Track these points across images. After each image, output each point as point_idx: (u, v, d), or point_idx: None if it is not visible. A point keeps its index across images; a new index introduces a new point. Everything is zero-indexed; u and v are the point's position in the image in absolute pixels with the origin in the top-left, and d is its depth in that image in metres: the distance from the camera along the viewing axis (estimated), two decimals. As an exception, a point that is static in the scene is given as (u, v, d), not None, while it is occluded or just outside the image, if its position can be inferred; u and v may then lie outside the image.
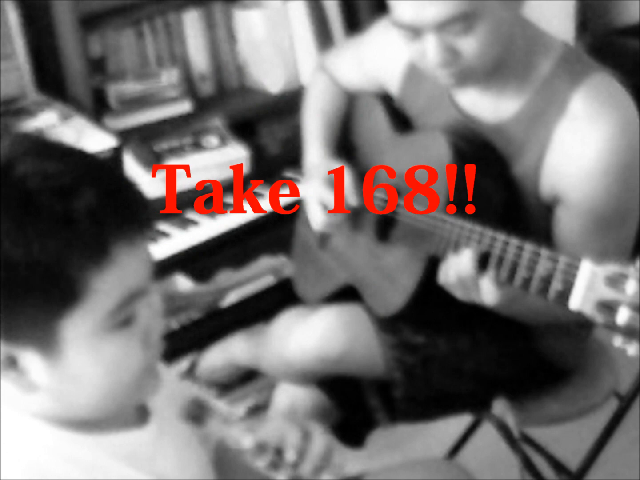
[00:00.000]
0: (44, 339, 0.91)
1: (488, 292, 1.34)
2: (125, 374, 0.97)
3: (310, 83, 1.96)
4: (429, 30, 1.41)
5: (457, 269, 1.37)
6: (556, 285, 1.24)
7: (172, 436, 1.10)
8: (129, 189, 0.96)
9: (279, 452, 1.07)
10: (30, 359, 0.93)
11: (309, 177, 1.75)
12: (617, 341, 1.16)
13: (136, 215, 0.95)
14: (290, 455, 1.07)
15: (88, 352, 0.93)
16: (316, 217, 1.71)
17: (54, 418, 0.98)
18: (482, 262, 1.34)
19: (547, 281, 1.25)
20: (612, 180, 1.44)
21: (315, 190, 1.69)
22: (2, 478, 0.94)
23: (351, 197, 1.68)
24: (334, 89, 1.89)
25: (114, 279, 0.91)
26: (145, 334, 0.97)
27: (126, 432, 1.04)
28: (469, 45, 1.41)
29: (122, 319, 0.94)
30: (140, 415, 1.08)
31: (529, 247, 1.29)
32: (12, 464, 0.95)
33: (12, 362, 0.93)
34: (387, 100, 1.78)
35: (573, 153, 1.46)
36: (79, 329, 0.92)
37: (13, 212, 0.88)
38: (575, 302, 1.21)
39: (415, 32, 1.43)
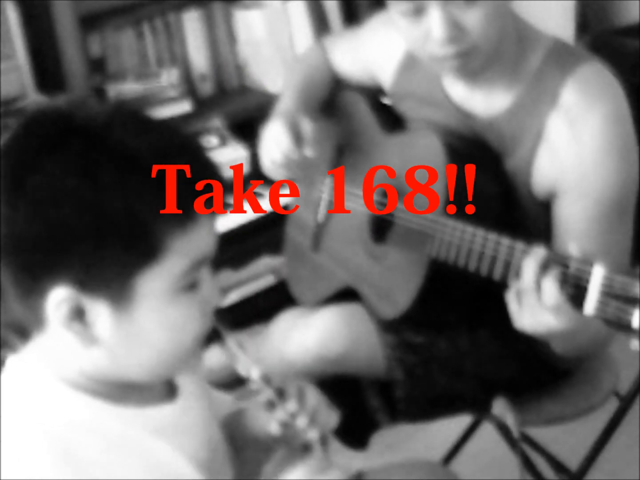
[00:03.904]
0: (119, 291, 0.95)
1: (562, 314, 1.25)
2: (184, 338, 1.01)
3: (303, 54, 1.95)
4: (433, 2, 1.40)
5: (542, 299, 1.26)
6: (568, 290, 1.23)
7: (197, 411, 1.13)
8: (212, 162, 1.02)
9: (280, 393, 1.12)
10: (100, 312, 0.95)
11: (273, 121, 1.71)
12: (634, 345, 1.15)
13: (220, 187, 1.01)
14: (291, 405, 1.12)
15: (155, 312, 0.97)
16: (271, 156, 1.67)
17: (98, 381, 1.01)
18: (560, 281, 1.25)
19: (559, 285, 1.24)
20: (607, 168, 1.44)
21: (275, 129, 1.66)
22: (28, 444, 0.96)
23: (309, 150, 1.64)
24: (325, 64, 1.87)
25: (191, 243, 0.97)
26: (204, 302, 1.01)
27: (158, 407, 1.07)
28: (474, 18, 1.41)
29: (189, 282, 0.98)
30: (169, 390, 1.11)
31: None
32: (40, 433, 0.97)
33: (80, 314, 0.95)
34: (371, 96, 1.77)
35: (566, 143, 1.46)
36: (152, 286, 0.96)
37: (115, 165, 0.93)
38: (590, 307, 1.20)
39: (418, 8, 1.42)
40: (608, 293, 1.18)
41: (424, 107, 1.66)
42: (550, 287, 1.24)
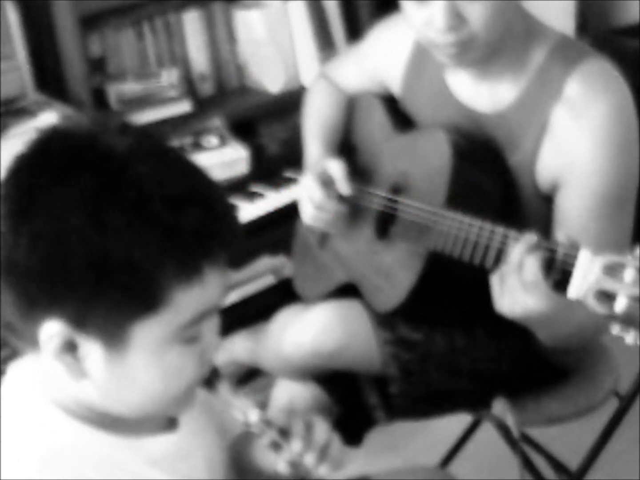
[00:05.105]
0: (114, 335, 0.93)
1: (539, 293, 1.27)
2: (177, 385, 0.98)
3: (310, 90, 1.97)
4: None
5: (522, 276, 1.28)
6: (555, 275, 1.25)
7: (198, 439, 1.11)
8: (231, 214, 0.98)
9: (283, 432, 1.08)
10: (92, 350, 0.94)
11: (305, 174, 1.76)
12: (615, 329, 1.17)
13: (232, 242, 0.97)
14: (296, 445, 1.07)
15: (150, 358, 0.95)
16: (306, 212, 1.71)
17: (90, 409, 0.99)
18: (547, 267, 1.27)
19: (545, 271, 1.26)
20: (608, 160, 1.45)
21: (306, 185, 1.70)
22: (17, 463, 0.95)
23: (343, 187, 1.67)
24: (335, 95, 1.90)
25: (195, 297, 0.93)
26: (203, 351, 0.99)
27: (156, 437, 1.05)
28: (476, 11, 1.42)
29: (188, 334, 0.96)
30: (170, 420, 1.09)
31: None
32: (29, 452, 0.96)
33: (72, 347, 0.94)
34: (386, 99, 1.79)
35: (570, 135, 1.47)
36: (149, 335, 0.93)
37: (124, 210, 0.89)
38: (574, 291, 1.21)
39: None
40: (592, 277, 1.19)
41: (431, 107, 1.68)
42: (531, 263, 1.26)
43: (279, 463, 1.09)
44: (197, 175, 0.98)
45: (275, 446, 1.08)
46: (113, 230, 0.88)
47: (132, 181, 0.90)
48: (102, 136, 0.94)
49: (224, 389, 1.07)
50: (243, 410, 1.07)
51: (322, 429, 1.10)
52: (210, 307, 0.97)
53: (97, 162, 0.91)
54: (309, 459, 1.08)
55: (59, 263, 0.89)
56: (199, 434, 1.12)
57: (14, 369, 1.05)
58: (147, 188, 0.90)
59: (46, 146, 0.95)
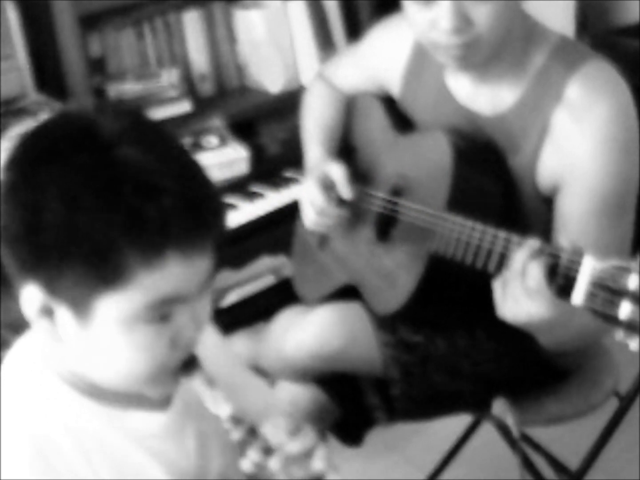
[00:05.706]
0: (80, 305, 0.97)
1: (542, 300, 1.27)
2: (145, 363, 1.01)
3: (309, 91, 1.97)
4: None
5: (525, 282, 1.28)
6: (558, 280, 1.25)
7: (187, 422, 1.14)
8: (211, 205, 1.00)
9: (252, 432, 1.09)
10: (64, 317, 0.99)
11: (306, 178, 1.76)
12: (619, 335, 1.16)
13: (204, 233, 0.99)
14: (261, 442, 1.09)
15: (116, 332, 0.99)
16: (308, 216, 1.71)
17: (83, 379, 1.04)
18: (550, 273, 1.27)
19: (549, 277, 1.25)
20: (609, 162, 1.45)
21: (308, 189, 1.70)
22: (14, 445, 1.01)
23: (345, 191, 1.68)
24: (333, 95, 1.90)
25: (158, 280, 0.96)
26: (176, 334, 1.01)
27: (146, 413, 1.09)
28: (483, 13, 1.42)
29: (157, 315, 0.99)
30: (163, 400, 1.11)
31: None
32: (26, 434, 1.02)
33: (49, 312, 0.99)
34: (386, 100, 1.78)
35: (570, 137, 1.47)
36: (113, 309, 0.97)
37: (95, 190, 0.94)
38: (578, 297, 1.21)
39: None
40: (597, 283, 1.19)
41: (431, 108, 1.67)
42: (535, 270, 1.26)
43: (244, 462, 1.10)
44: (183, 165, 1.01)
45: (243, 444, 1.09)
46: (81, 207, 0.93)
47: (111, 163, 0.95)
48: (98, 119, 0.98)
49: (198, 379, 1.08)
50: (215, 404, 1.09)
51: (302, 440, 1.11)
52: (180, 293, 0.99)
53: (85, 143, 0.96)
54: (273, 464, 1.09)
55: (34, 231, 0.95)
56: (188, 420, 1.14)
57: (24, 337, 1.10)
58: (124, 171, 0.94)
59: (47, 126, 1.02)
